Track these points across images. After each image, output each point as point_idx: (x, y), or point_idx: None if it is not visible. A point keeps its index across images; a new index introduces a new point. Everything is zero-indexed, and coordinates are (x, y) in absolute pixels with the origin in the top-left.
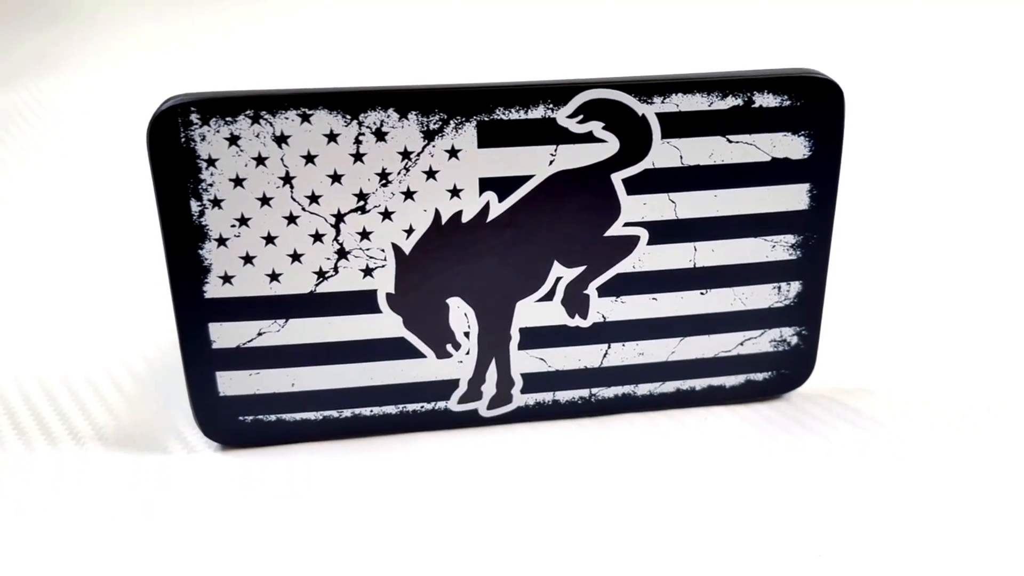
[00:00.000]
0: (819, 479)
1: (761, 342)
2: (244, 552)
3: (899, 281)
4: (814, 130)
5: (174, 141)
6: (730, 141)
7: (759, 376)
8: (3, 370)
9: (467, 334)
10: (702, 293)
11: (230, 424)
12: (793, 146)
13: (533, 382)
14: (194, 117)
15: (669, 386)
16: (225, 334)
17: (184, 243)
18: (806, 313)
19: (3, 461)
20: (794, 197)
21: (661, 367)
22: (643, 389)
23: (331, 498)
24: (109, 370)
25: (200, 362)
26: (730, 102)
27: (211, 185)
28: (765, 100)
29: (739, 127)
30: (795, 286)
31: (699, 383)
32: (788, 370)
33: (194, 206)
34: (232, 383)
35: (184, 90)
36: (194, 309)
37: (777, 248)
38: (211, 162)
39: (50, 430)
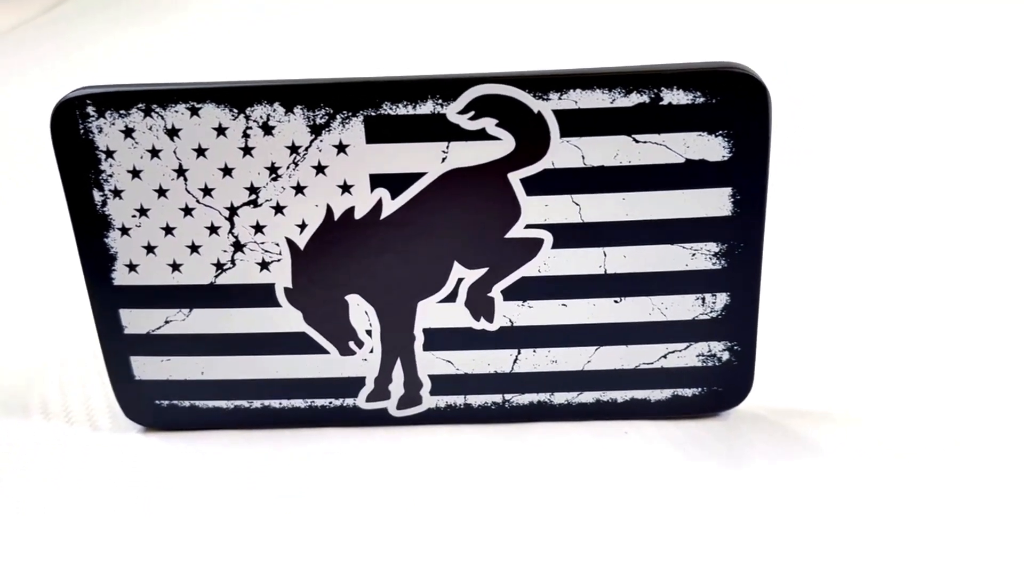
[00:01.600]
0: (733, 512)
1: (687, 356)
2: (127, 532)
3: (853, 293)
4: (734, 130)
5: (74, 133)
6: (637, 141)
7: (687, 392)
8: None
9: (369, 332)
10: (616, 301)
11: (148, 407)
12: (710, 147)
13: (442, 384)
14: (90, 110)
15: (588, 396)
16: (135, 320)
17: (91, 231)
18: (737, 327)
19: None
20: (714, 202)
21: (577, 376)
22: (560, 398)
23: (233, 488)
24: (74, 350)
25: (115, 346)
26: (635, 99)
27: (111, 176)
28: (675, 97)
29: (646, 126)
30: (722, 298)
31: (620, 395)
32: (720, 387)
33: (96, 196)
34: (146, 368)
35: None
36: (105, 295)
37: (698, 256)
38: (109, 153)
39: (5, 402)
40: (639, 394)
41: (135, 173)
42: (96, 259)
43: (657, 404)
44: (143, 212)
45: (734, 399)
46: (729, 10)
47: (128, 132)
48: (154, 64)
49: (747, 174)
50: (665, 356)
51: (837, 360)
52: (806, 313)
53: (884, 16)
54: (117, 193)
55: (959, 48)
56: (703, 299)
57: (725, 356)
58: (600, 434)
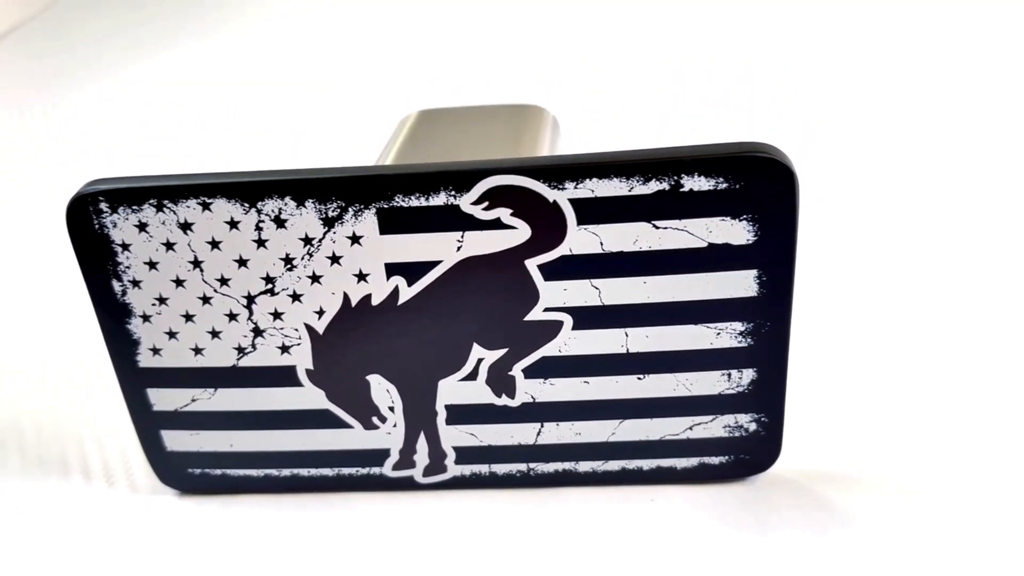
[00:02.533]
0: None
1: (713, 428)
2: None
3: (884, 355)
4: (759, 214)
5: (89, 227)
6: (657, 227)
7: (714, 460)
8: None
9: (392, 408)
10: (639, 378)
11: (181, 474)
12: (734, 231)
13: (466, 455)
14: (103, 206)
15: (613, 464)
16: (163, 399)
17: (113, 318)
18: (764, 400)
19: None
20: (739, 284)
21: (601, 447)
22: (584, 466)
23: (265, 554)
24: (114, 410)
25: (145, 421)
26: (654, 187)
27: (128, 267)
28: (695, 183)
29: (667, 213)
30: (748, 373)
31: (646, 463)
32: (748, 455)
33: (116, 286)
34: (177, 441)
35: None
36: (131, 375)
37: (723, 335)
38: (125, 247)
39: (45, 461)
40: (665, 462)
41: (152, 265)
42: (120, 343)
43: (683, 471)
44: (162, 301)
45: (761, 466)
46: (755, 83)
47: (142, 226)
48: (153, 63)
49: (773, 256)
50: (691, 428)
51: (868, 423)
52: (834, 374)
53: (920, 88)
54: (136, 283)
55: (992, 122)
56: (729, 375)
57: (752, 427)
58: (626, 499)
